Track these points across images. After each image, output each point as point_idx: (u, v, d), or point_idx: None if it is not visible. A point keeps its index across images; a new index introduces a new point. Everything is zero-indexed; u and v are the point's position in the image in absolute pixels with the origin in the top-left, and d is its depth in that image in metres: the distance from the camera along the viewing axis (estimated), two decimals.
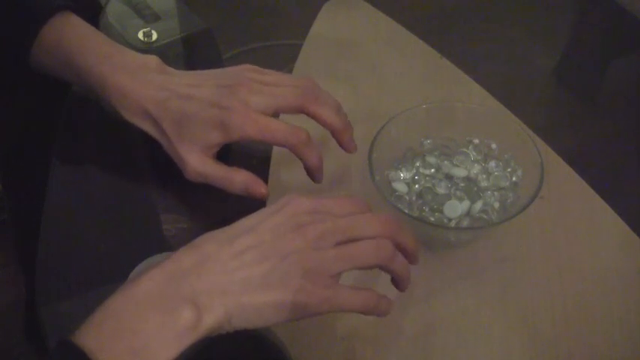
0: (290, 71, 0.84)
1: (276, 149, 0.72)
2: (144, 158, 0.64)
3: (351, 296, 0.49)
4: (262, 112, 0.61)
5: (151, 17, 0.85)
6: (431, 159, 0.69)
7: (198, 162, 0.62)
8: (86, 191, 0.70)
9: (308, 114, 0.63)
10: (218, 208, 0.66)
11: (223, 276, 0.46)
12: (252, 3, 0.98)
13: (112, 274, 0.47)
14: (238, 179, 0.62)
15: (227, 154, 0.65)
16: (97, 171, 0.71)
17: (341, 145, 0.66)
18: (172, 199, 0.68)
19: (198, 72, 0.65)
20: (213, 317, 0.45)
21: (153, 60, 0.65)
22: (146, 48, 0.81)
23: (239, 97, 0.61)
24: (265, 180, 0.71)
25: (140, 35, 0.82)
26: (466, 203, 0.65)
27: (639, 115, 0.89)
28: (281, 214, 0.50)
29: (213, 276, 0.46)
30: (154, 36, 0.82)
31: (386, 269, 0.51)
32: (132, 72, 0.63)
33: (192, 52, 0.84)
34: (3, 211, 1.23)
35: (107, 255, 0.63)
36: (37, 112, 0.83)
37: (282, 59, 0.86)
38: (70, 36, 0.66)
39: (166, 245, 0.48)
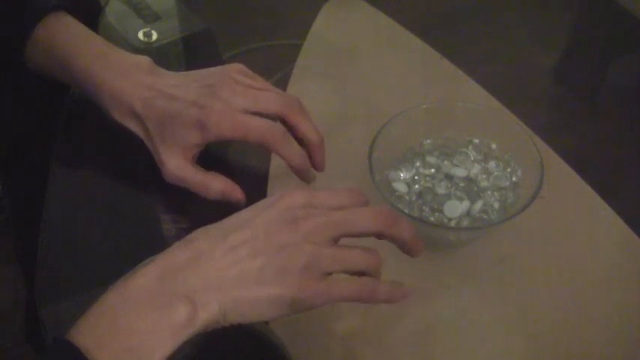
0: (290, 71, 0.84)
1: None
2: (144, 158, 0.64)
3: (346, 286, 0.48)
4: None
5: (151, 17, 0.85)
6: (431, 159, 0.69)
7: (176, 165, 0.62)
8: (86, 191, 0.70)
9: (289, 124, 0.63)
10: (218, 208, 0.66)
11: (218, 271, 0.46)
12: (252, 3, 0.98)
13: (112, 274, 0.47)
14: (215, 186, 0.62)
15: (225, 156, 0.65)
16: (96, 171, 0.71)
17: (313, 162, 0.65)
18: (172, 200, 0.68)
19: (188, 73, 0.65)
20: (208, 313, 0.45)
21: (144, 61, 0.65)
22: (146, 48, 0.81)
23: (220, 97, 0.61)
24: (265, 180, 0.71)
25: (140, 35, 0.82)
26: (466, 203, 0.65)
27: (639, 115, 0.89)
28: (275, 208, 0.49)
29: (207, 271, 0.46)
30: (154, 36, 0.82)
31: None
32: (123, 72, 0.63)
33: (192, 52, 0.84)
34: (3, 211, 1.23)
35: (107, 255, 0.63)
36: (37, 112, 0.83)
37: (282, 59, 0.86)
38: (64, 36, 0.66)
39: (166, 245, 0.48)
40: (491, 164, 0.69)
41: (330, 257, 0.48)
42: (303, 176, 0.64)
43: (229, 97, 0.61)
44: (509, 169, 0.68)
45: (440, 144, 0.71)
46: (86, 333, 0.43)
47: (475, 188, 0.67)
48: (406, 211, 0.64)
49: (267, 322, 0.58)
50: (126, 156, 0.70)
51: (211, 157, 0.65)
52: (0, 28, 0.67)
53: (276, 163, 0.72)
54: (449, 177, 0.68)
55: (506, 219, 0.62)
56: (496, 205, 0.66)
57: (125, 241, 0.65)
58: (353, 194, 0.52)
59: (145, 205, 0.69)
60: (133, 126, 0.63)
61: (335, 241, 0.49)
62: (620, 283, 0.64)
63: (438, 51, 0.85)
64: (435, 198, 0.66)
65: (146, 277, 0.45)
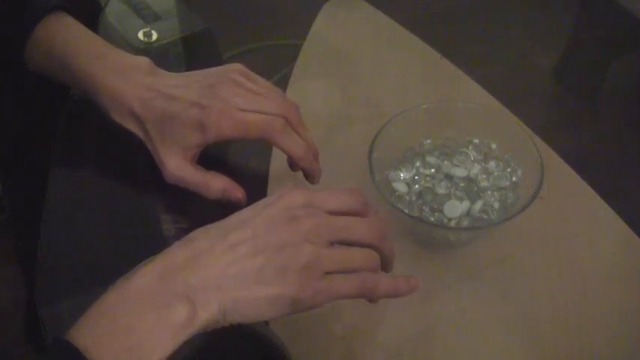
0: (290, 71, 0.84)
1: (275, 149, 0.72)
2: (144, 158, 0.64)
3: (347, 283, 0.49)
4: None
5: (151, 17, 0.85)
6: (431, 159, 0.69)
7: (176, 166, 0.62)
8: (86, 191, 0.70)
9: None
10: (218, 208, 0.66)
11: (217, 271, 0.46)
12: (252, 3, 0.98)
13: (112, 274, 0.47)
14: (215, 185, 0.62)
15: (225, 156, 0.65)
16: (96, 171, 0.71)
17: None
18: (172, 200, 0.68)
19: (188, 73, 0.65)
20: (207, 312, 0.45)
21: (144, 61, 0.65)
22: (146, 48, 0.81)
23: (220, 97, 0.61)
24: (265, 181, 0.71)
25: (140, 35, 0.82)
26: (466, 203, 0.65)
27: (639, 115, 0.89)
28: (275, 207, 0.49)
29: (207, 271, 0.46)
30: (154, 36, 0.82)
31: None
32: (122, 73, 0.63)
33: (192, 52, 0.84)
34: (3, 211, 1.23)
35: (107, 255, 0.63)
36: (37, 112, 0.83)
37: (282, 59, 0.86)
38: (64, 37, 0.66)
39: (166, 245, 0.48)
40: (491, 164, 0.69)
41: (329, 257, 0.48)
42: (308, 171, 0.64)
43: (229, 98, 0.61)
44: (509, 169, 0.68)
45: (440, 144, 0.71)
46: (86, 333, 0.43)
47: (475, 188, 0.67)
48: (406, 211, 0.64)
49: (267, 322, 0.58)
50: (126, 156, 0.70)
51: (211, 158, 0.65)
52: (0, 28, 0.67)
53: (276, 165, 0.72)
54: (449, 177, 0.68)
55: (507, 219, 0.62)
56: (496, 205, 0.66)
57: (125, 241, 0.65)
58: (353, 195, 0.52)
59: (145, 205, 0.69)
60: (132, 127, 0.64)
61: (332, 244, 0.49)
62: (620, 283, 0.64)
63: (438, 51, 0.85)
64: (435, 198, 0.66)
65: (146, 277, 0.45)
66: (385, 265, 0.53)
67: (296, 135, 0.62)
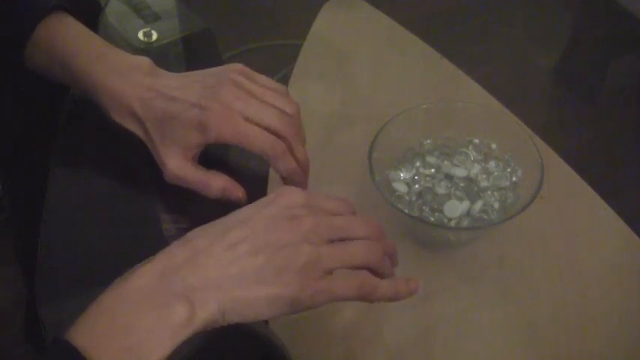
0: (290, 71, 0.84)
1: None
2: (144, 158, 0.64)
3: (346, 284, 0.48)
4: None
5: (151, 17, 0.85)
6: (431, 159, 0.69)
7: (176, 165, 0.62)
8: (86, 191, 0.70)
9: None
10: (218, 208, 0.66)
11: (217, 270, 0.46)
12: (252, 3, 0.98)
13: (112, 274, 0.47)
14: (215, 184, 0.62)
15: (226, 157, 0.65)
16: (96, 171, 0.71)
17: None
18: (172, 200, 0.68)
19: (188, 73, 0.65)
20: (206, 312, 0.45)
21: (144, 62, 0.65)
22: (146, 48, 0.81)
23: (220, 99, 0.61)
24: (265, 181, 0.71)
25: (140, 35, 0.82)
26: (466, 203, 0.65)
27: (639, 115, 0.89)
28: (275, 206, 0.49)
29: (206, 270, 0.46)
30: (154, 36, 0.82)
31: (374, 270, 0.51)
32: (122, 73, 0.63)
33: (192, 52, 0.84)
34: (3, 211, 1.23)
35: (107, 255, 0.63)
36: (37, 112, 0.83)
37: (282, 59, 0.87)
38: (64, 37, 0.66)
39: (166, 245, 0.48)
40: (491, 164, 0.69)
41: (329, 255, 0.48)
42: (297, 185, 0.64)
43: (230, 100, 0.61)
44: (509, 169, 0.68)
45: (440, 144, 0.71)
46: (85, 333, 0.43)
47: (475, 188, 0.67)
48: (406, 211, 0.64)
49: (267, 322, 0.58)
50: (126, 156, 0.70)
51: (212, 158, 0.65)
52: (0, 28, 0.67)
53: None
54: (449, 177, 0.68)
55: (507, 219, 0.62)
56: (496, 205, 0.66)
57: (125, 241, 0.65)
58: (344, 204, 0.53)
59: (145, 205, 0.69)
60: (132, 127, 0.64)
61: (331, 242, 0.49)
62: (620, 283, 0.64)
63: (438, 51, 0.85)
64: (435, 198, 0.66)
65: (145, 276, 0.45)
66: (390, 260, 0.53)
67: (292, 159, 0.62)
